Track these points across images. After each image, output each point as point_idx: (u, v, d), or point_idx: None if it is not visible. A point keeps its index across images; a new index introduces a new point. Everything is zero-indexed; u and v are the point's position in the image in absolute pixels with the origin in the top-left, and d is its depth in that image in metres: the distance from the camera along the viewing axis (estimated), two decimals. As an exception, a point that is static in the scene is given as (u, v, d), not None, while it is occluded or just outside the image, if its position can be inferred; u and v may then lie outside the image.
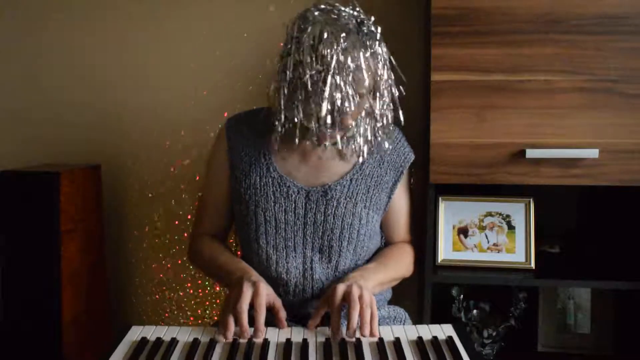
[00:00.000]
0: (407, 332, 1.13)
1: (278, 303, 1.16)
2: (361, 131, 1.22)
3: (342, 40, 1.08)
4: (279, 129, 1.20)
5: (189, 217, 1.84)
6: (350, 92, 1.09)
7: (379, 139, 1.25)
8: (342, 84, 1.08)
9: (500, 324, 1.59)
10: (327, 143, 1.22)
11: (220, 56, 1.79)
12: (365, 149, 1.24)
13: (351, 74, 1.09)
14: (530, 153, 1.33)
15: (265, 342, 1.07)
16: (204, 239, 1.37)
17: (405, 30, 1.72)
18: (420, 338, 1.09)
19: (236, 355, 1.03)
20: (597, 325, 1.66)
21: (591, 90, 1.33)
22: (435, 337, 1.09)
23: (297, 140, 1.18)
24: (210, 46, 1.79)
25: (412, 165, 1.37)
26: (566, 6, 1.31)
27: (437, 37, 1.34)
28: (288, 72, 1.13)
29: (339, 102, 1.09)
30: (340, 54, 1.08)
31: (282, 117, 1.17)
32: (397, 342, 1.07)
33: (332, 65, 1.07)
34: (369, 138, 1.23)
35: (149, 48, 1.81)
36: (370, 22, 1.16)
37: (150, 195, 1.86)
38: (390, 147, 1.30)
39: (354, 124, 1.19)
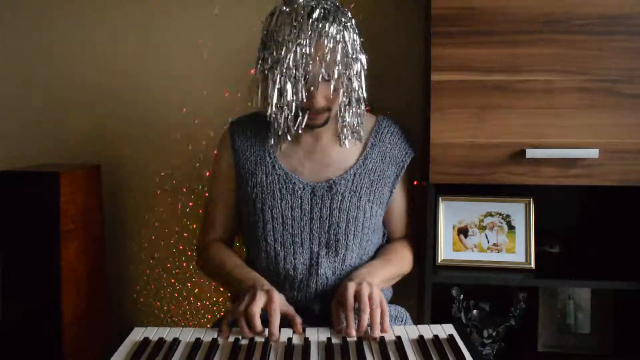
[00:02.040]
0: (408, 331, 1.13)
1: (292, 310, 1.18)
2: (347, 114, 1.29)
3: (293, 30, 1.17)
4: (277, 129, 1.27)
5: (189, 217, 1.85)
6: (301, 73, 1.18)
7: (358, 120, 1.31)
8: (294, 67, 1.17)
9: (500, 324, 1.59)
10: (319, 123, 1.27)
11: (221, 56, 1.79)
12: (355, 123, 1.31)
13: (303, 57, 1.16)
14: (530, 153, 1.33)
15: (267, 342, 1.07)
16: (213, 246, 1.38)
17: (405, 30, 1.72)
18: (421, 337, 1.09)
19: (238, 355, 1.03)
20: (597, 325, 1.66)
21: (591, 90, 1.33)
22: (436, 336, 1.09)
23: (290, 131, 1.26)
24: (211, 46, 1.79)
25: (412, 164, 1.38)
26: (566, 6, 1.31)
27: (437, 37, 1.34)
28: (258, 67, 1.24)
29: (291, 89, 1.18)
30: (289, 43, 1.17)
31: (269, 112, 1.25)
32: (398, 342, 1.07)
33: (284, 54, 1.17)
34: (354, 117, 1.30)
35: (149, 48, 1.81)
36: (331, 6, 1.21)
37: (150, 195, 1.86)
38: (371, 135, 1.35)
39: (328, 104, 1.24)
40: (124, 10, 1.80)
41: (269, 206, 1.30)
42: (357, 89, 1.26)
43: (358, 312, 1.10)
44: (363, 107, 1.31)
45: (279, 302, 1.13)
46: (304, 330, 1.14)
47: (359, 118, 1.31)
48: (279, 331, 1.10)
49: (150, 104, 1.83)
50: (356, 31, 1.25)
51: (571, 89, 1.33)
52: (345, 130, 1.31)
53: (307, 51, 1.16)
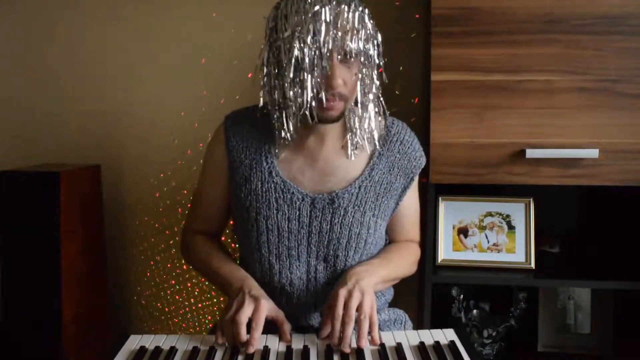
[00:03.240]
0: (409, 337, 1.11)
1: (281, 316, 1.13)
2: (359, 121, 1.19)
3: (308, 1, 1.06)
4: (286, 124, 1.16)
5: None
6: (317, 49, 1.06)
7: (374, 127, 1.20)
8: (311, 38, 1.05)
9: (500, 324, 1.58)
10: (328, 121, 1.14)
11: (220, 56, 1.79)
12: (374, 134, 1.20)
13: (320, 33, 1.05)
14: (530, 153, 1.33)
15: (266, 350, 1.06)
16: (198, 238, 1.32)
17: (405, 30, 1.72)
18: (422, 343, 1.08)
19: None
20: (597, 325, 1.66)
21: (591, 90, 1.33)
22: (437, 342, 1.08)
23: (291, 128, 1.14)
24: (211, 46, 1.79)
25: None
26: (566, 6, 1.31)
27: (437, 37, 1.34)
28: (265, 56, 1.12)
29: (309, 63, 1.06)
30: (303, 14, 1.05)
31: (276, 108, 1.15)
32: (399, 348, 1.07)
33: (299, 26, 1.05)
34: (366, 126, 1.19)
35: (149, 48, 1.81)
36: None
37: (150, 195, 1.86)
38: (379, 143, 1.23)
39: (346, 91, 1.12)
40: (124, 10, 1.80)
41: (264, 216, 1.19)
42: (373, 84, 1.15)
43: (343, 323, 1.06)
44: (373, 114, 1.19)
45: (265, 311, 1.09)
46: (291, 336, 1.12)
47: (371, 127, 1.19)
48: (266, 335, 1.09)
49: (150, 104, 1.83)
50: (370, 14, 1.14)
51: (571, 89, 1.33)
52: (354, 139, 1.20)
53: (327, 19, 1.05)
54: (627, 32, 1.31)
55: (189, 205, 1.40)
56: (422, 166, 1.28)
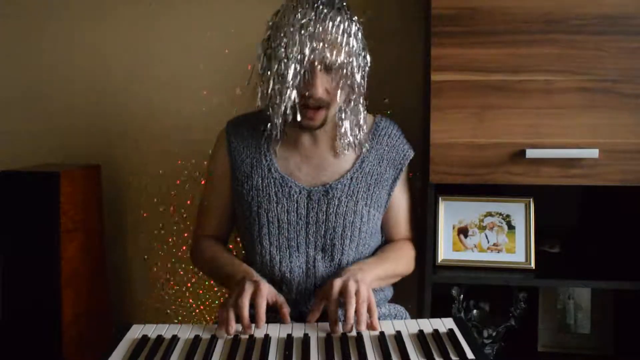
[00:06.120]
0: (408, 326, 1.13)
1: (281, 299, 1.18)
2: (344, 118, 1.27)
3: (298, 15, 1.14)
4: (274, 124, 1.25)
5: (189, 217, 1.84)
6: (300, 60, 1.14)
7: (361, 130, 1.29)
8: (297, 49, 1.14)
9: (500, 324, 1.59)
10: (317, 126, 1.24)
11: (220, 56, 1.78)
12: (353, 136, 1.29)
13: (306, 44, 1.14)
14: (530, 153, 1.33)
15: (267, 338, 1.07)
16: (206, 241, 1.39)
17: (405, 30, 1.72)
18: (421, 331, 1.09)
19: (237, 350, 1.04)
20: (597, 325, 1.66)
21: (591, 90, 1.33)
22: (436, 330, 1.10)
23: (277, 131, 1.24)
24: (211, 46, 1.79)
25: (411, 163, 1.38)
26: (566, 6, 1.31)
27: (437, 37, 1.34)
28: (261, 60, 1.21)
29: (292, 72, 1.14)
30: (292, 26, 1.14)
31: (270, 109, 1.23)
32: (398, 336, 1.08)
33: (287, 38, 1.14)
34: (354, 125, 1.28)
35: (149, 48, 1.81)
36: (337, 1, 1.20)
37: (150, 195, 1.86)
38: (368, 145, 1.32)
39: (328, 99, 1.21)
40: (124, 11, 1.80)
41: (265, 209, 1.28)
42: (358, 88, 1.23)
43: (343, 306, 1.09)
44: (362, 116, 1.28)
45: (266, 292, 1.13)
46: (292, 318, 1.16)
47: (358, 127, 1.29)
48: (266, 324, 1.12)
49: (150, 104, 1.83)
50: (360, 29, 1.23)
51: (571, 89, 1.33)
52: (343, 140, 1.29)
53: (312, 31, 1.13)
54: (627, 32, 1.31)
55: (196, 214, 1.45)
56: (410, 158, 1.37)
